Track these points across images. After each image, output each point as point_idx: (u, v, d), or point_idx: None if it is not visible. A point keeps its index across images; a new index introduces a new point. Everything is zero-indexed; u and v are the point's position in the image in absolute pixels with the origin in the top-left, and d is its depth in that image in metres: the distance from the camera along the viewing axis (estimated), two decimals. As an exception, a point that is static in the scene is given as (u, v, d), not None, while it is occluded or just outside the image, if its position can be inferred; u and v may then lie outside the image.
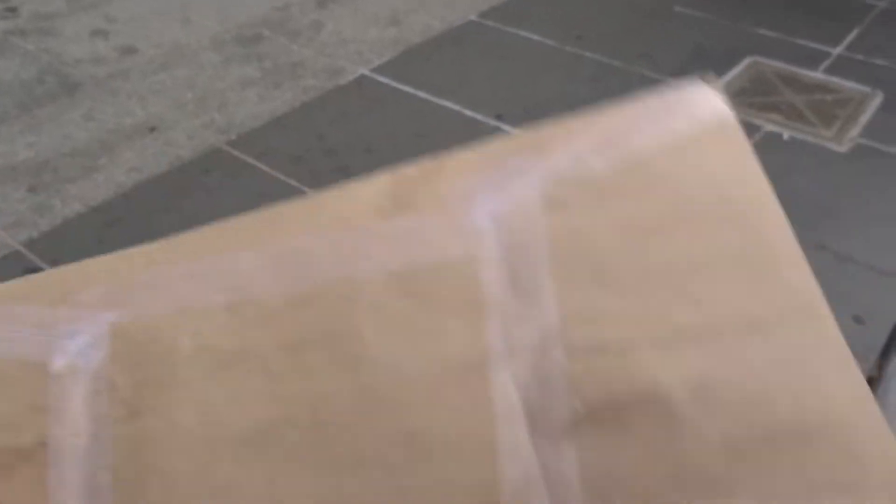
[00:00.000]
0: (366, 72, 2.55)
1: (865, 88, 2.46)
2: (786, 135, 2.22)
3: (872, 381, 0.79)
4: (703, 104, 0.28)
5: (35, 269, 1.75)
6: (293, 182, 2.04)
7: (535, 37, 2.75)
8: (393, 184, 0.27)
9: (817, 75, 2.52)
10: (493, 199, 0.26)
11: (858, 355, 1.47)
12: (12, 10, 2.89)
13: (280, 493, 0.23)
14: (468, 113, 2.32)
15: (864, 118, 2.31)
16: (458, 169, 0.26)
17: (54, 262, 1.77)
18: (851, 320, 1.66)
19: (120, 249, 1.54)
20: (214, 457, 0.24)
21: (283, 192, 1.96)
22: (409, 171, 0.27)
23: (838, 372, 0.25)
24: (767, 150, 2.18)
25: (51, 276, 0.32)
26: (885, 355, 0.84)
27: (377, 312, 0.25)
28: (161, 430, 0.25)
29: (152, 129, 2.24)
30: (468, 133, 2.22)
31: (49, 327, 0.28)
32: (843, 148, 2.18)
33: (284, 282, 0.26)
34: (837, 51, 2.67)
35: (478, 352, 0.24)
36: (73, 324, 0.28)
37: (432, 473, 0.23)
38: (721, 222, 0.26)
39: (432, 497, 0.23)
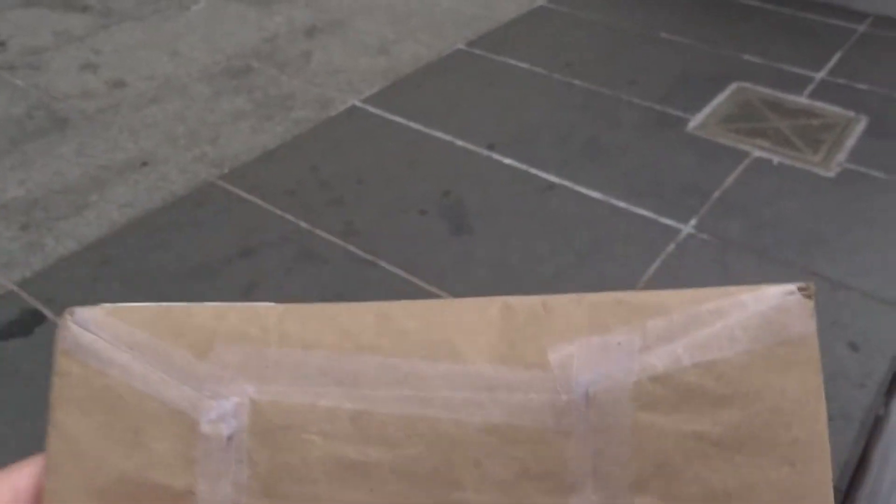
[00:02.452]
0: (356, 102, 2.64)
1: (849, 113, 2.56)
2: (775, 160, 2.31)
3: (880, 420, 0.75)
4: (795, 321, 0.26)
5: (30, 310, 1.78)
6: (288, 216, 2.09)
7: (524, 65, 2.86)
8: (502, 322, 0.27)
9: (802, 100, 2.62)
10: (591, 373, 0.27)
11: (856, 384, 1.40)
12: (0, 45, 2.97)
13: None
14: (460, 143, 2.41)
15: (850, 143, 2.41)
16: (563, 326, 0.27)
17: (49, 302, 1.80)
18: (846, 347, 1.68)
19: (114, 287, 1.63)
20: None
21: (277, 227, 2.05)
22: (517, 310, 0.27)
23: None
24: (756, 176, 2.26)
25: (192, 317, 0.31)
26: (889, 392, 0.79)
27: (476, 464, 0.27)
28: None
29: (144, 164, 2.30)
30: (460, 163, 2.31)
31: (197, 381, 0.30)
32: (830, 173, 2.27)
33: (401, 404, 0.28)
34: (820, 75, 2.80)
35: None
36: (218, 385, 0.30)
37: None
38: (778, 453, 0.25)
39: None
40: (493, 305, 0.30)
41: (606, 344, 0.28)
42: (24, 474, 0.32)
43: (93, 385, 0.31)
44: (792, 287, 0.28)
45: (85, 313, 0.32)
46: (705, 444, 0.27)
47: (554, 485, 0.27)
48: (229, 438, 0.30)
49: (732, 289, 0.28)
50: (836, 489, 1.35)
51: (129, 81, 2.78)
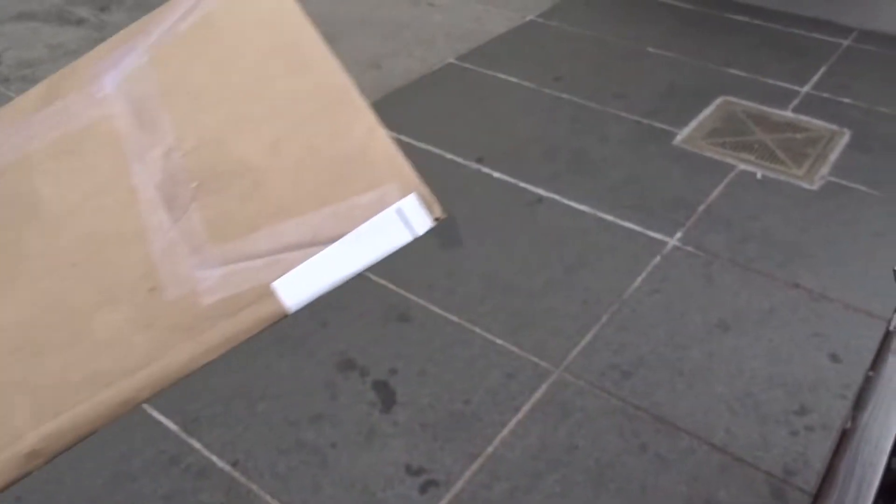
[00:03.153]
0: (348, 116, 2.70)
1: (833, 126, 2.58)
2: (759, 174, 2.33)
3: (846, 434, 0.78)
4: None
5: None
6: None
7: (514, 79, 2.88)
8: (47, 84, 0.36)
9: (787, 114, 2.66)
10: (115, 72, 0.34)
11: (836, 395, 1.47)
12: (-6, 58, 2.85)
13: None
14: (449, 156, 2.44)
15: (833, 156, 2.43)
16: (91, 58, 0.36)
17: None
18: (828, 358, 1.70)
19: None
20: None
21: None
22: (63, 71, 0.35)
23: (359, 121, 0.32)
24: (741, 189, 2.29)
25: None
26: (857, 406, 0.84)
27: (46, 172, 0.32)
28: None
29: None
30: (450, 176, 2.34)
31: None
32: (813, 186, 2.29)
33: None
34: (805, 89, 2.83)
35: (121, 172, 0.32)
36: None
37: (103, 259, 0.30)
38: (270, 50, 0.34)
39: (108, 277, 0.30)
40: (44, 80, 0.39)
41: (121, 49, 0.36)
42: None
43: None
44: None
45: None
46: (216, 67, 0.34)
47: (111, 150, 0.34)
48: None
49: None
50: (808, 494, 1.40)
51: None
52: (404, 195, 0.33)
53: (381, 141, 0.34)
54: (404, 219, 0.32)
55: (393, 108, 2.71)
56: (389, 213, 0.32)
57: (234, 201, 0.32)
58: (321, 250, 0.31)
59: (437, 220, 0.32)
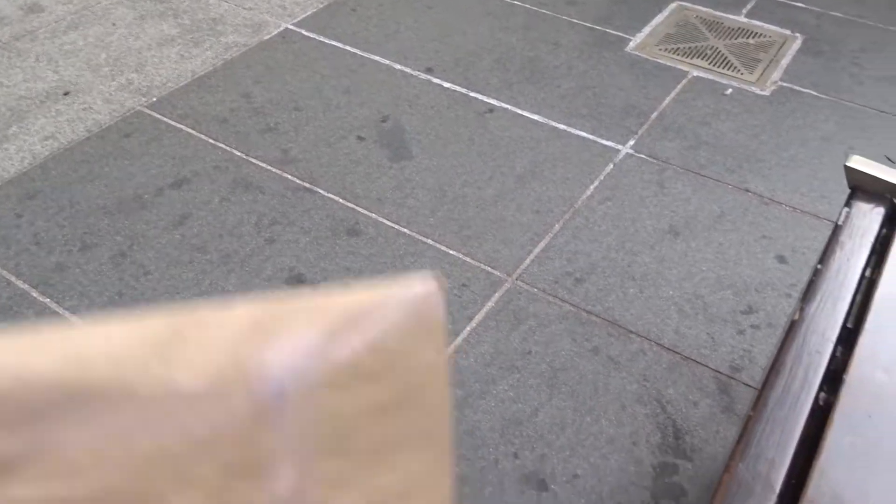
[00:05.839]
0: (290, 26, 2.55)
1: (786, 31, 2.57)
2: (729, 90, 2.35)
3: (794, 325, 0.84)
4: (427, 303, 0.29)
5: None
6: (221, 144, 2.04)
7: (463, -15, 2.68)
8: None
9: (740, 19, 2.64)
10: (282, 370, 0.27)
11: (782, 294, 1.51)
12: None
13: None
14: (397, 67, 2.36)
15: (785, 61, 2.43)
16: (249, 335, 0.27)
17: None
18: (775, 260, 1.73)
19: (39, 223, 1.54)
20: None
21: (210, 156, 2.00)
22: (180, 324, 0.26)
23: None
24: (694, 95, 2.28)
25: None
26: (805, 299, 0.89)
27: (178, 477, 0.26)
28: None
29: (66, 94, 2.21)
30: (398, 87, 2.27)
31: None
32: (765, 91, 2.29)
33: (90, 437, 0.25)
34: (758, -6, 2.69)
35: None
36: None
37: None
38: (420, 406, 0.30)
39: None
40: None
41: (294, 345, 0.29)
42: None
43: None
44: (430, 282, 0.31)
45: None
46: (375, 409, 0.30)
47: (256, 472, 0.28)
48: None
49: (384, 284, 0.31)
50: (753, 389, 1.44)
51: (45, 6, 2.64)
52: None
53: None
54: None
55: (335, 19, 2.60)
56: None
57: None
58: None
59: None
